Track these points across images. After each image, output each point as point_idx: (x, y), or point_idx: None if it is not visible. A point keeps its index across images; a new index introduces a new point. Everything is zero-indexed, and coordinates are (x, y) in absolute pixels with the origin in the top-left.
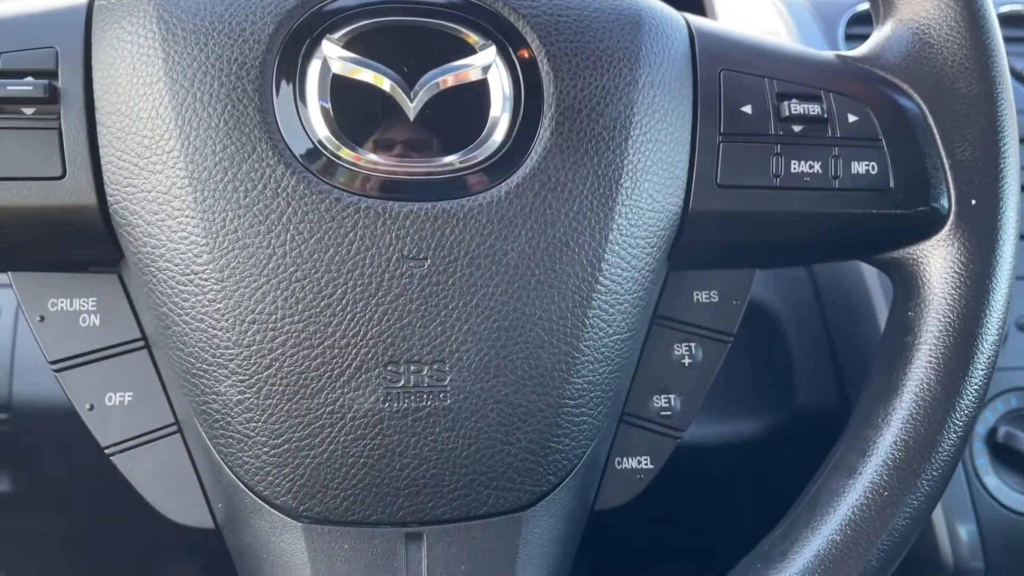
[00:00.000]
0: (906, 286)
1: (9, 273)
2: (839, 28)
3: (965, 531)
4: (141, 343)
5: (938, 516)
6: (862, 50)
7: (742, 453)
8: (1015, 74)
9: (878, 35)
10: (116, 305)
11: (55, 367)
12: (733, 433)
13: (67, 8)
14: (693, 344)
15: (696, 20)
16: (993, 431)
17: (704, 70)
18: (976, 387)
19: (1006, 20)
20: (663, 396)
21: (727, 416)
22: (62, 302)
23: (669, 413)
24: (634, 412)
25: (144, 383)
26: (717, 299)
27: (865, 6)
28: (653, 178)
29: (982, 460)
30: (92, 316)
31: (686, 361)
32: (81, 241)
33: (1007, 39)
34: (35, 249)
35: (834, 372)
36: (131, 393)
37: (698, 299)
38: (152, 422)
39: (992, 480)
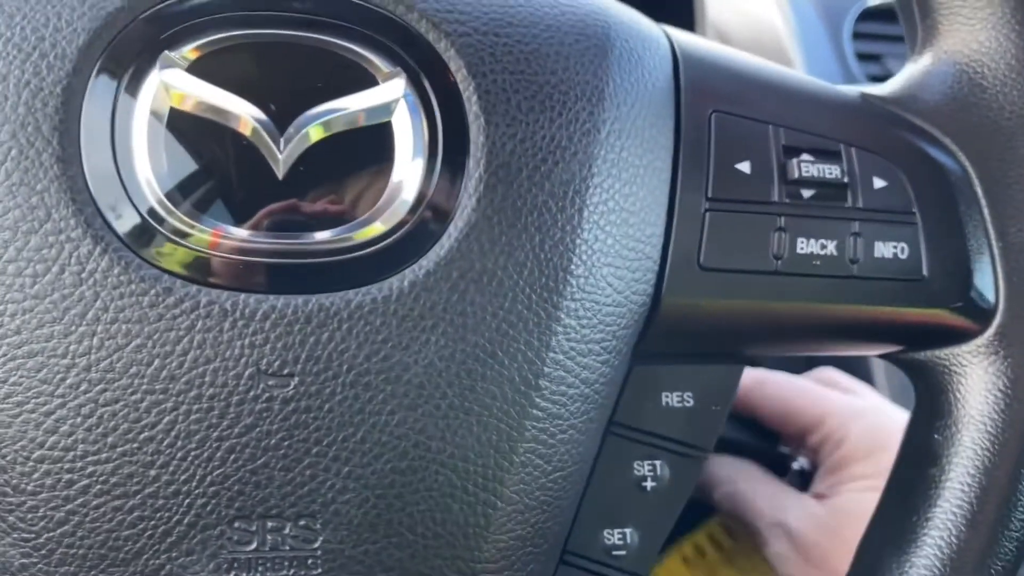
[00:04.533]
0: (932, 399)
1: None
2: (845, 24)
3: None
4: None
5: None
6: (892, 87)
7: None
8: None
9: (913, 69)
10: None
11: None
12: None
13: None
14: (658, 462)
15: (682, 39)
16: None
17: (691, 111)
18: (1018, 543)
19: None
20: (616, 530)
21: None
22: None
23: (623, 552)
24: (577, 550)
25: None
26: (692, 403)
27: (877, 0)
28: (614, 261)
29: None
30: None
31: (648, 484)
32: None
33: None
34: None
35: None
36: None
37: (668, 402)
38: None
39: None
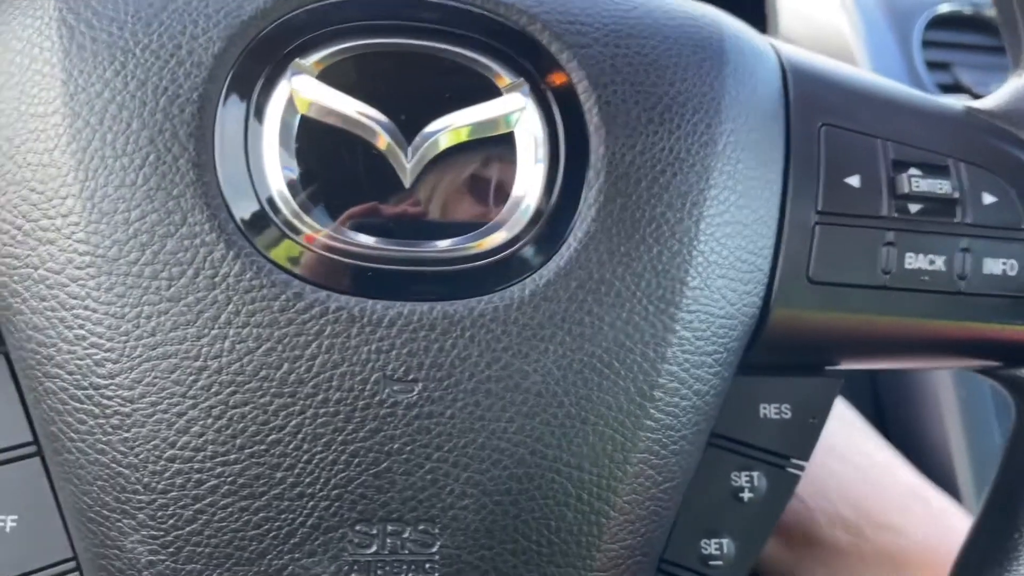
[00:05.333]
0: None
1: None
2: (914, 32)
3: None
4: (32, 448)
5: None
6: (997, 101)
7: None
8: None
9: (1018, 83)
10: None
11: None
12: None
13: None
14: (755, 473)
15: (789, 51)
16: None
17: (800, 124)
18: None
19: None
20: (713, 540)
21: None
22: None
23: (719, 562)
24: (673, 559)
25: (34, 502)
26: (790, 415)
27: (947, 8)
28: (728, 273)
29: None
30: None
31: (745, 495)
32: None
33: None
34: None
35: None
36: (15, 516)
37: (765, 414)
38: (43, 556)
39: None
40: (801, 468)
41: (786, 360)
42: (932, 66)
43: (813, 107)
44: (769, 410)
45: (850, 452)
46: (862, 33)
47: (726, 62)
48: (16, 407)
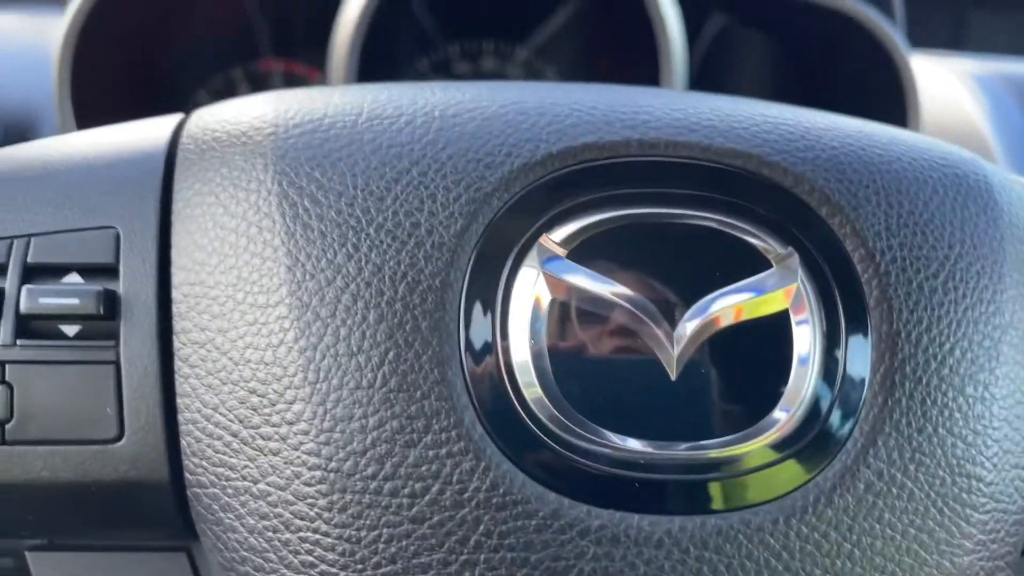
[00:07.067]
0: None
1: (26, 553)
2: None
3: None
4: None
5: None
6: None
7: None
8: None
9: None
10: None
11: None
12: None
13: (135, 156)
14: None
15: None
16: None
17: None
18: None
19: None
20: None
21: None
22: None
23: None
24: None
25: None
26: None
27: None
28: (1021, 461)
29: None
30: None
31: None
32: (138, 524)
33: None
34: (67, 531)
35: None
36: None
37: None
38: None
39: None
40: None
41: None
42: None
43: None
44: None
45: None
46: (992, 120)
47: (1000, 213)
48: None
